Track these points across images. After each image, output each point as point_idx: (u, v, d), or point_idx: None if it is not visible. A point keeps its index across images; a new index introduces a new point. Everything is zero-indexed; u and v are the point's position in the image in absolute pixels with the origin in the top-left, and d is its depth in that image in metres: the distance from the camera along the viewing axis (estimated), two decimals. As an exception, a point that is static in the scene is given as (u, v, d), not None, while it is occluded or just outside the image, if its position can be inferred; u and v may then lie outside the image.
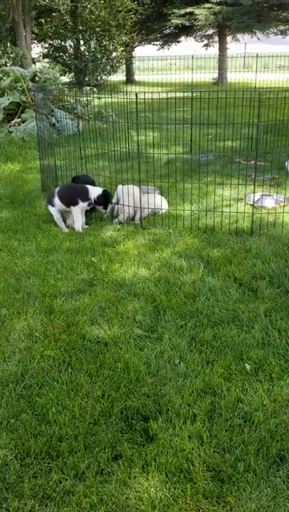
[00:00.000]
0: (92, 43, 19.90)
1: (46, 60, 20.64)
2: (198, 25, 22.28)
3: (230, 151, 8.35)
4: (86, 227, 5.20)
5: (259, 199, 5.77)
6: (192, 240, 4.75)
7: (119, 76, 23.70)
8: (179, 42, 27.63)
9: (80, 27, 19.55)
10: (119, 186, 5.36)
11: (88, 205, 5.15)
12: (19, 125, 10.19)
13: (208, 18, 21.68)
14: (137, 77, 26.66)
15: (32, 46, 19.98)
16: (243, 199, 5.87)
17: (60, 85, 12.59)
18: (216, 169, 7.04)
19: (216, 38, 25.31)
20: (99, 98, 11.00)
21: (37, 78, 11.38)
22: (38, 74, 11.45)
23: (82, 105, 11.28)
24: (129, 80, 26.06)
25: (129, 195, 5.20)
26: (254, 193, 5.64)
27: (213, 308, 3.51)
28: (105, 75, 20.49)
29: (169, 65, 25.86)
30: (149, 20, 25.59)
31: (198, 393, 2.70)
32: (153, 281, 3.93)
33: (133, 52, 25.85)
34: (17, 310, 3.57)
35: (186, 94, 9.50)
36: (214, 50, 25.53)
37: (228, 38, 25.39)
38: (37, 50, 22.01)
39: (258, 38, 24.23)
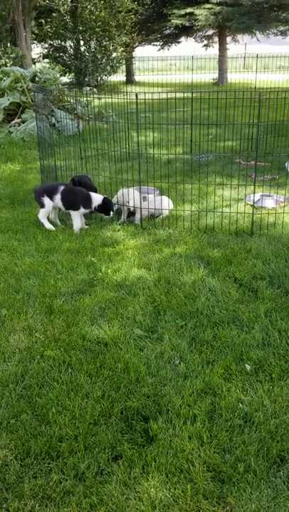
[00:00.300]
0: (92, 44, 19.91)
1: (46, 60, 20.63)
2: (198, 25, 22.30)
3: (230, 152, 8.35)
4: (86, 227, 5.21)
5: (259, 199, 5.77)
6: (192, 241, 4.75)
7: (120, 76, 23.72)
8: (179, 42, 27.65)
9: (80, 27, 19.56)
10: (126, 190, 5.35)
11: (89, 213, 5.20)
12: (19, 125, 10.20)
13: (208, 18, 21.69)
14: (137, 78, 26.67)
15: (32, 46, 19.98)
16: (243, 199, 5.87)
17: (60, 86, 12.60)
18: (216, 169, 7.04)
19: (216, 39, 25.33)
20: (99, 98, 11.01)
21: (37, 78, 11.38)
22: (38, 74, 11.45)
23: (82, 105, 11.28)
24: (129, 80, 26.08)
25: (129, 197, 5.22)
26: (254, 193, 5.64)
27: (213, 309, 3.51)
28: (105, 75, 20.50)
29: (169, 66, 25.89)
30: (149, 21, 25.60)
31: (198, 394, 2.70)
32: (153, 282, 3.93)
33: (133, 53, 25.86)
34: (17, 310, 3.57)
35: (186, 94, 9.49)
36: (214, 50, 25.55)
37: (228, 39, 25.42)
38: (37, 50, 22.02)
39: (258, 39, 24.25)
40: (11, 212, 5.67)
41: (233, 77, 24.19)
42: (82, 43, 20.16)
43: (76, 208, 5.05)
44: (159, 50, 27.70)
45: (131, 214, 5.42)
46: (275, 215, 5.29)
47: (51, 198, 5.07)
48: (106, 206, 5.13)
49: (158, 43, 27.57)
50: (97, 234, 4.99)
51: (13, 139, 9.67)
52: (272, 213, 5.35)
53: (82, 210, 5.08)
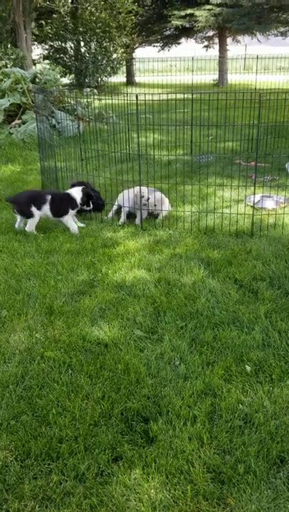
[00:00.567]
0: (93, 45, 19.92)
1: (47, 61, 20.63)
2: (198, 26, 22.32)
3: (230, 153, 8.35)
4: (82, 225, 5.20)
5: (259, 200, 5.78)
6: (192, 241, 4.75)
7: (120, 77, 23.74)
8: (179, 43, 27.66)
9: (81, 28, 19.58)
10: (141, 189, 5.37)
11: (76, 211, 5.17)
12: (20, 126, 10.20)
13: (209, 19, 21.72)
14: (137, 79, 26.68)
15: (32, 48, 19.97)
16: (243, 200, 5.87)
17: (60, 87, 12.61)
18: (216, 170, 7.05)
19: (217, 40, 25.35)
20: (99, 99, 11.01)
21: (37, 80, 11.39)
22: (39, 75, 11.46)
23: (82, 107, 11.29)
24: (130, 81, 26.08)
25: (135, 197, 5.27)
26: (254, 194, 5.63)
27: (213, 310, 3.51)
28: (106, 76, 20.51)
29: (169, 67, 25.90)
30: (150, 22, 25.61)
31: (198, 395, 2.70)
32: (153, 283, 3.93)
33: (133, 54, 25.86)
34: (17, 311, 3.57)
35: (186, 95, 9.50)
36: (214, 51, 25.56)
37: (229, 40, 25.44)
38: (37, 51, 22.02)
39: (258, 40, 24.28)
40: (12, 213, 5.66)
41: (233, 78, 24.21)
42: (82, 44, 20.18)
43: (66, 212, 5.03)
44: (159, 51, 27.71)
45: (132, 214, 5.43)
46: (275, 216, 5.29)
47: (39, 208, 4.98)
48: (88, 197, 5.10)
49: (158, 44, 27.58)
50: (97, 235, 4.99)
51: (14, 140, 9.68)
52: (272, 214, 5.35)
53: (71, 212, 5.05)
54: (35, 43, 21.83)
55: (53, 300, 3.71)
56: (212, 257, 4.37)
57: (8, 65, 14.88)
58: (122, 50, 21.05)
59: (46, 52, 21.03)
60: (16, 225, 5.13)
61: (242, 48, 28.57)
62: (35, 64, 18.79)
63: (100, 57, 19.68)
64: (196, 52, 24.81)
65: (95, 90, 15.80)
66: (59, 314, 3.52)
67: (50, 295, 3.78)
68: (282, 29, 23.06)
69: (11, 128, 10.23)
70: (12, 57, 15.67)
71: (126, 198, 5.41)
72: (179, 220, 5.32)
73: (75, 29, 19.76)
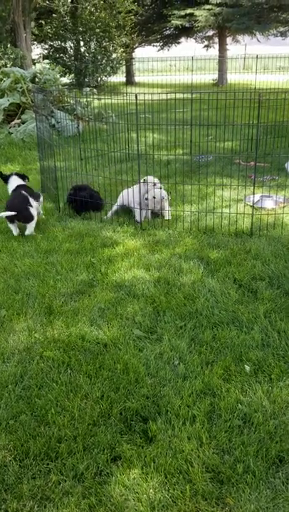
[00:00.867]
0: (92, 44, 19.92)
1: (46, 61, 20.63)
2: (198, 26, 22.31)
3: (230, 152, 8.35)
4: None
5: (259, 200, 5.78)
6: (192, 241, 4.75)
7: (119, 77, 23.72)
8: (179, 43, 27.66)
9: (80, 28, 19.58)
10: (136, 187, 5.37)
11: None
12: (19, 126, 10.20)
13: (208, 19, 21.70)
14: (137, 79, 26.67)
15: (32, 47, 19.97)
16: (242, 200, 5.87)
17: (60, 86, 12.61)
18: (215, 170, 7.04)
19: (216, 40, 25.34)
20: (99, 99, 11.02)
21: (37, 79, 11.39)
22: (38, 75, 11.46)
23: (82, 106, 11.29)
24: (129, 81, 26.07)
25: (134, 196, 5.26)
26: (254, 194, 5.64)
27: (212, 309, 3.51)
28: (105, 76, 20.51)
29: (169, 66, 25.90)
30: (149, 22, 25.61)
31: (197, 394, 2.70)
32: (152, 282, 3.93)
33: (133, 54, 25.87)
34: (16, 311, 3.57)
35: (186, 95, 9.51)
36: (214, 51, 25.56)
37: (228, 40, 25.43)
38: (37, 51, 22.02)
39: (258, 40, 24.27)
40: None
41: (232, 77, 24.21)
42: (82, 43, 20.18)
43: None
44: (158, 50, 27.70)
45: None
46: (274, 216, 5.29)
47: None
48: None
49: (158, 44, 27.56)
50: (96, 235, 4.99)
51: (13, 139, 9.68)
52: (271, 214, 5.35)
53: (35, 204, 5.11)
54: (35, 42, 21.84)
55: (52, 300, 3.71)
56: (211, 256, 4.37)
57: (8, 65, 14.89)
58: (122, 49, 21.05)
59: (46, 51, 21.03)
60: (15, 233, 4.99)
61: (242, 47, 28.58)
62: (34, 63, 18.79)
63: (99, 57, 19.69)
64: (196, 52, 24.82)
65: (95, 90, 15.79)
66: (58, 314, 3.51)
67: (50, 295, 3.78)
68: (281, 29, 23.05)
69: (10, 127, 10.23)
70: (12, 56, 15.67)
71: (130, 193, 5.40)
72: (178, 219, 5.32)
73: (74, 29, 19.76)
